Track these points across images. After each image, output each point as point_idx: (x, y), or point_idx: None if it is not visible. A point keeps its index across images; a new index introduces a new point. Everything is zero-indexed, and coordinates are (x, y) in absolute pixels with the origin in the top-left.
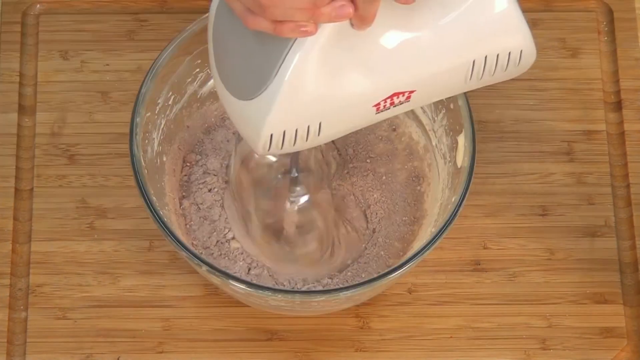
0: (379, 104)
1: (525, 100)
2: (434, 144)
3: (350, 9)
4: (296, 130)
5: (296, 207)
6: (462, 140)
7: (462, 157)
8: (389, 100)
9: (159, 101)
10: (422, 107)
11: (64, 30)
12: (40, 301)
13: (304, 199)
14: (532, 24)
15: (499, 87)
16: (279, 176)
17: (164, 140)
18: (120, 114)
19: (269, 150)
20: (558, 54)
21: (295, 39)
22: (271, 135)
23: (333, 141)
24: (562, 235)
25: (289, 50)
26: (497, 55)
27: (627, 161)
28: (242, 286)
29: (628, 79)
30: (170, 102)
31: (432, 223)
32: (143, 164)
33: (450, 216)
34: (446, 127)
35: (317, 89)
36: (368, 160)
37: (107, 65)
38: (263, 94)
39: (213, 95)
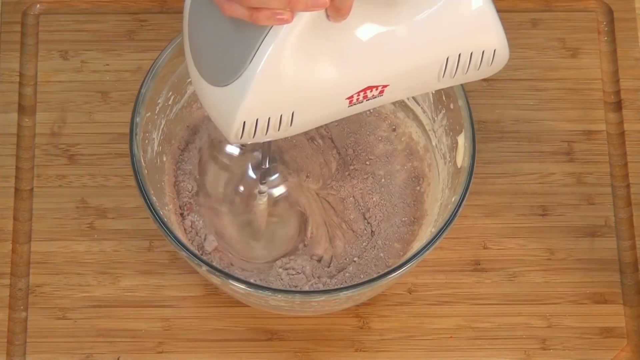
0: (352, 96)
1: (525, 100)
2: (434, 144)
3: None
4: (269, 119)
5: (265, 199)
6: (462, 140)
7: (462, 157)
8: (362, 94)
9: (159, 101)
10: (422, 107)
11: (64, 30)
12: (40, 301)
13: (277, 190)
14: (532, 24)
15: (499, 87)
16: (250, 169)
17: (164, 140)
18: (120, 114)
19: (240, 138)
20: (558, 54)
21: (271, 27)
22: (244, 123)
23: (332, 140)
24: (562, 235)
25: (264, 38)
26: (471, 54)
27: (627, 161)
28: (242, 286)
29: (628, 79)
30: (170, 102)
31: (432, 223)
32: (143, 164)
33: (450, 216)
34: (446, 127)
35: (290, 78)
36: (367, 162)
37: (107, 65)
38: (237, 81)
39: None
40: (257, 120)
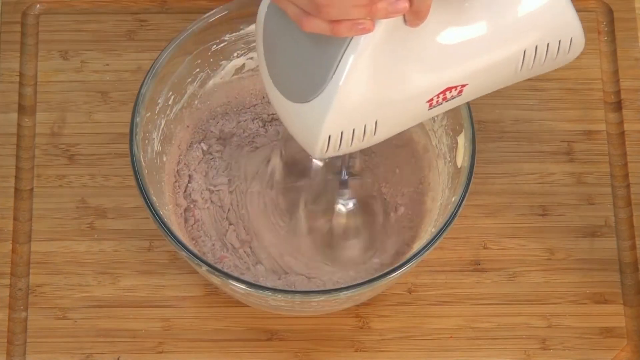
0: (432, 99)
1: (525, 100)
2: (434, 143)
3: (405, 4)
4: (353, 131)
5: (344, 210)
6: (462, 140)
7: (462, 157)
8: (441, 96)
9: (159, 101)
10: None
11: (64, 30)
12: (40, 301)
13: (352, 202)
14: None
15: None
16: (329, 177)
17: (164, 140)
18: (120, 114)
19: (326, 152)
20: None
21: (350, 40)
22: (329, 137)
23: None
24: (562, 235)
25: (345, 50)
26: (548, 44)
27: (627, 161)
28: (242, 286)
29: (628, 79)
30: (170, 102)
31: (432, 223)
32: (143, 164)
33: (450, 216)
34: (446, 127)
35: (373, 89)
36: (368, 162)
37: (107, 65)
38: (319, 97)
39: (213, 95)
40: (342, 133)
